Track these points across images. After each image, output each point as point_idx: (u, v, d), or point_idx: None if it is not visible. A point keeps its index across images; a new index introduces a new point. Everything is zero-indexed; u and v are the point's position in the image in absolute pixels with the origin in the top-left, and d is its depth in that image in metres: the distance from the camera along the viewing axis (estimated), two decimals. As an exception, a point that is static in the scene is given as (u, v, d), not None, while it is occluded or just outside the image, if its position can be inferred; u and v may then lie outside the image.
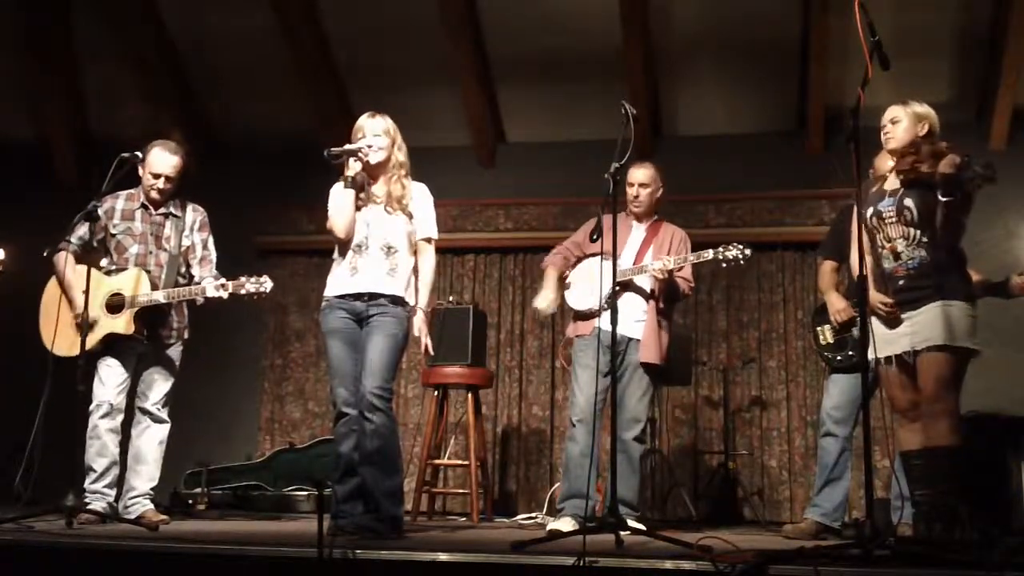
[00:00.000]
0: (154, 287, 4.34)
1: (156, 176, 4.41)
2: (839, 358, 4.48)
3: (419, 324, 3.86)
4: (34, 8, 6.75)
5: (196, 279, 4.50)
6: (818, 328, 4.63)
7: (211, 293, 4.24)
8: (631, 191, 4.65)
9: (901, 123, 3.64)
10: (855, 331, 4.41)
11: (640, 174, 4.65)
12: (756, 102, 6.82)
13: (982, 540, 3.25)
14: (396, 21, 6.59)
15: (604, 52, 6.44)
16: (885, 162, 4.18)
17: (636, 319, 4.51)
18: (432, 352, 4.07)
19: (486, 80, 6.92)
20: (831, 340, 4.54)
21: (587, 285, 4.56)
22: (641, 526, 4.12)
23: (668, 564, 2.64)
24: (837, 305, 4.49)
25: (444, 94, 6.85)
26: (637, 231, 4.68)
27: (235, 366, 7.12)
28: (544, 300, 4.72)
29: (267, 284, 4.24)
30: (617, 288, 4.35)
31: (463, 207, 7.02)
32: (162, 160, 4.43)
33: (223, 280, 4.29)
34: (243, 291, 4.23)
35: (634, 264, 4.55)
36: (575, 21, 6.41)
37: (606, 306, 4.28)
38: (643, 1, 6.24)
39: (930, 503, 3.50)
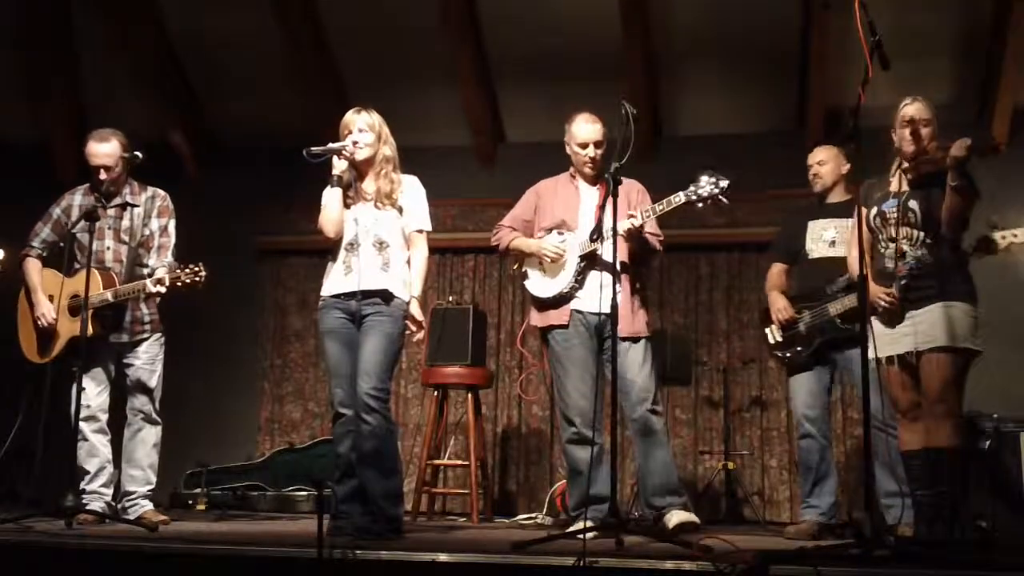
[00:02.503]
0: (111, 283, 4.24)
1: (96, 169, 4.34)
2: (788, 355, 4.55)
3: (414, 309, 3.82)
4: (34, 7, 6.74)
5: (149, 269, 4.37)
6: (766, 330, 4.70)
7: (151, 289, 4.10)
8: (585, 152, 4.27)
9: (933, 126, 3.66)
10: (801, 326, 4.50)
11: (595, 130, 4.27)
12: (756, 102, 6.81)
13: (982, 540, 3.25)
14: (396, 21, 6.58)
15: (604, 52, 6.42)
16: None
17: (609, 295, 4.11)
18: (423, 328, 3.92)
19: (486, 80, 6.91)
20: (779, 339, 4.60)
21: (549, 269, 4.30)
22: (693, 517, 3.95)
23: (668, 564, 2.65)
24: (778, 304, 4.57)
25: (444, 94, 6.84)
26: (589, 195, 4.33)
27: (235, 366, 7.10)
28: (550, 240, 4.29)
29: (202, 273, 4.07)
30: (582, 263, 4.18)
31: (463, 207, 7.01)
32: (94, 151, 4.34)
33: (159, 275, 4.15)
34: (179, 283, 4.08)
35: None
36: (575, 21, 6.40)
37: (576, 284, 4.16)
38: (643, 1, 6.24)
39: (930, 503, 3.51)
